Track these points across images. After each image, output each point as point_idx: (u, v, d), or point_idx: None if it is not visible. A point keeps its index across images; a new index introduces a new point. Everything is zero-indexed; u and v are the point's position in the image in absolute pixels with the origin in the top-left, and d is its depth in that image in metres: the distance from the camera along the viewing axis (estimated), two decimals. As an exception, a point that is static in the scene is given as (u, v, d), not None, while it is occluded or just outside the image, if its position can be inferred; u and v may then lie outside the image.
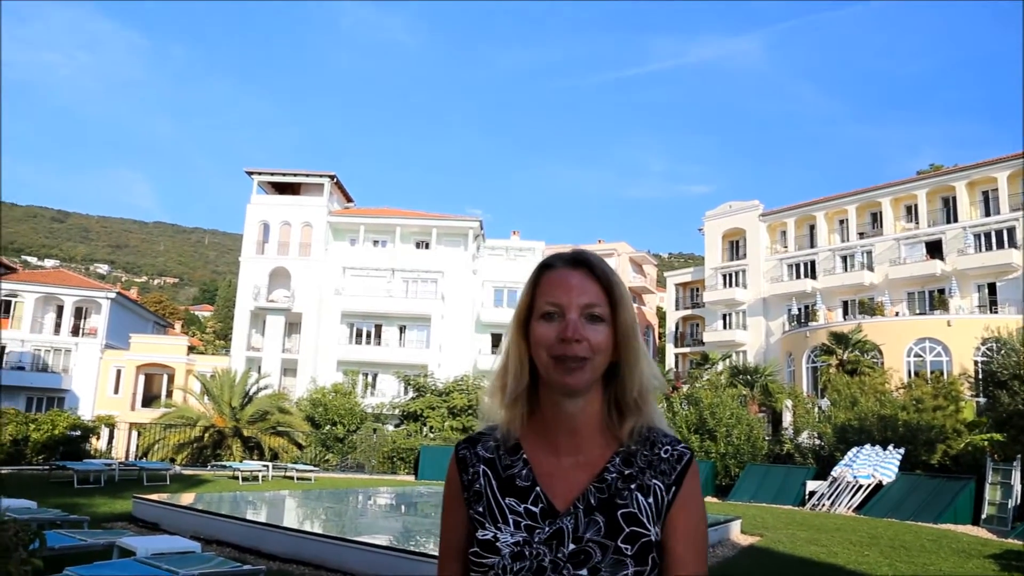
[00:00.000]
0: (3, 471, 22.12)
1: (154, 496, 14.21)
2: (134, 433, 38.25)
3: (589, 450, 1.40)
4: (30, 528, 2.35)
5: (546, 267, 1.43)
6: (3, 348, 46.06)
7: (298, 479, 23.29)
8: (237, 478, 21.76)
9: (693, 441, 23.93)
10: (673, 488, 1.35)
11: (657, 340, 63.53)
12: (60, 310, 47.84)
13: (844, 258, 47.46)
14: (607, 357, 1.37)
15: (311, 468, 25.48)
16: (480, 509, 1.40)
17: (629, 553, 1.30)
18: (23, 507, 10.48)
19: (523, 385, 1.41)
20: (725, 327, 52.84)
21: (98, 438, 31.35)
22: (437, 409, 31.48)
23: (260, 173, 47.73)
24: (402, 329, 46.06)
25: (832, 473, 20.40)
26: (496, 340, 45.27)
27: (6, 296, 46.80)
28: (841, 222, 48.65)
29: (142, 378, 46.37)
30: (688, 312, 58.57)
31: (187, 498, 15.18)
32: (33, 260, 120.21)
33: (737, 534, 13.40)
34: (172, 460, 26.56)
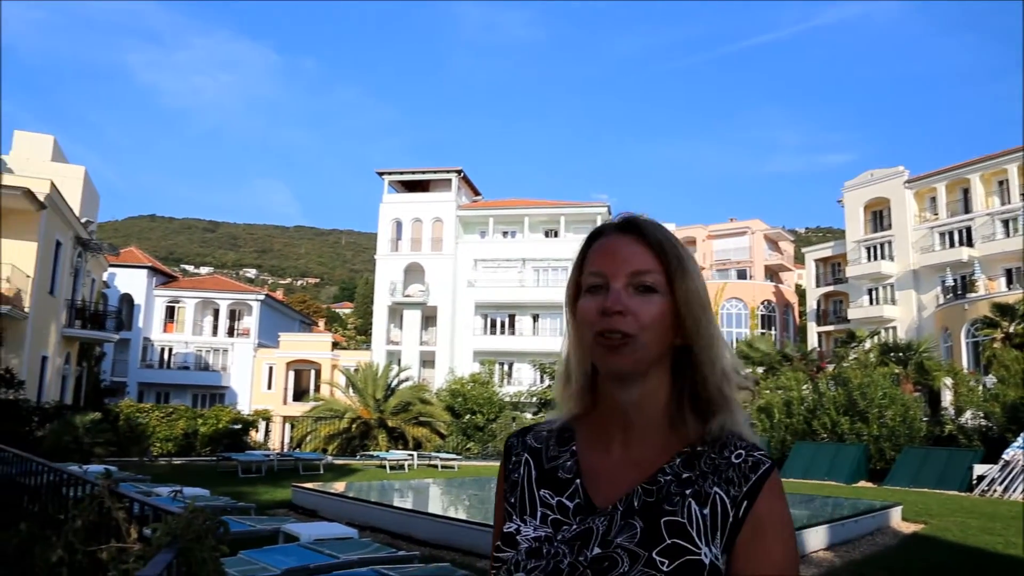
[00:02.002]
0: (177, 461, 23.96)
1: (310, 485, 14.97)
2: (287, 426, 40.58)
3: (646, 447, 1.19)
4: (215, 516, 2.49)
5: (595, 236, 1.25)
6: (171, 350, 49.98)
7: (442, 467, 23.93)
8: (384, 467, 22.60)
9: (843, 424, 22.78)
10: (744, 503, 1.09)
11: (797, 319, 60.95)
12: (216, 313, 51.30)
13: (1006, 222, 43.70)
14: (662, 335, 1.15)
15: (454, 456, 26.12)
16: (512, 500, 1.26)
17: (664, 569, 1.06)
18: (199, 495, 11.31)
19: (579, 370, 1.25)
20: (872, 303, 49.98)
21: (256, 431, 33.47)
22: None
23: (390, 173, 49.25)
24: (535, 318, 46.40)
25: (1004, 456, 18.88)
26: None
27: (170, 302, 50.67)
28: (1000, 183, 44.78)
29: (292, 374, 48.98)
30: (830, 288, 55.83)
31: (340, 486, 15.91)
32: (190, 268, 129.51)
33: (898, 521, 12.64)
34: (324, 450, 27.93)
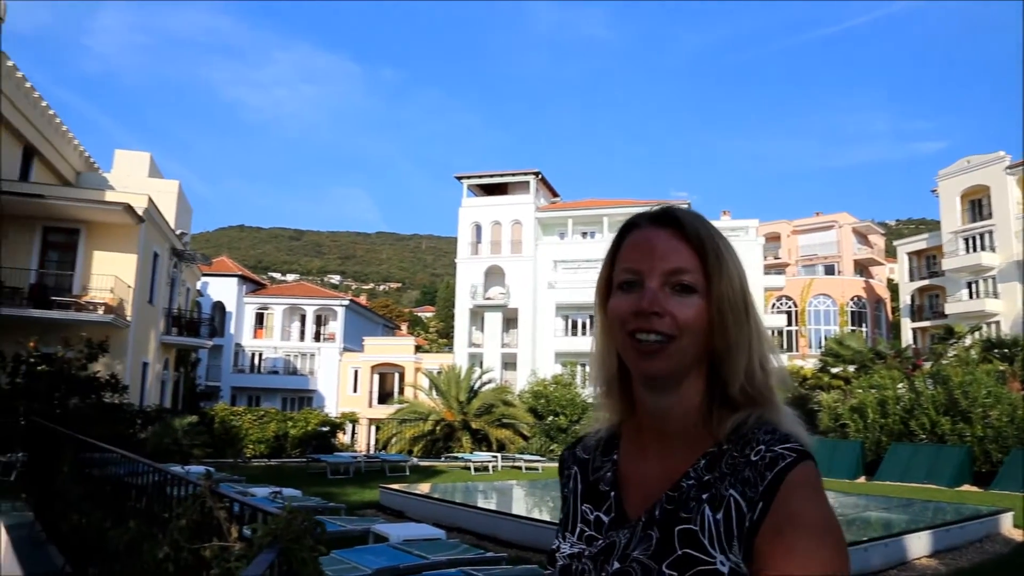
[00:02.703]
0: (269, 463, 24.72)
1: (397, 486, 15.20)
2: (372, 428, 41.38)
3: (679, 453, 1.11)
4: (312, 516, 2.52)
5: (629, 227, 1.16)
6: (261, 355, 51.71)
7: (526, 469, 23.95)
8: (469, 468, 22.76)
9: (943, 424, 21.73)
10: (760, 504, 0.97)
11: (890, 315, 58.64)
12: (303, 319, 52.80)
13: (1121, 208, 41.04)
14: (700, 338, 1.07)
15: (538, 458, 26.11)
16: (562, 516, 1.23)
17: None
18: (292, 495, 11.63)
19: (610, 372, 1.18)
20: (971, 296, 47.66)
21: (343, 433, 34.25)
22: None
23: (469, 177, 49.71)
24: (621, 317, 46.09)
25: (1123, 457, 17.69)
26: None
27: (260, 309, 52.42)
28: (1114, 167, 42.09)
29: (376, 377, 49.96)
30: (924, 283, 53.51)
31: (425, 488, 16.10)
32: (278, 275, 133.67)
33: (1009, 528, 11.97)
34: (409, 452, 28.34)
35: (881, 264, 62.76)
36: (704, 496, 1.03)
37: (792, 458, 0.99)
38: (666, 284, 1.07)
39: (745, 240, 45.13)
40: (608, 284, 1.16)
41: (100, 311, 22.03)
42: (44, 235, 23.27)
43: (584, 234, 48.44)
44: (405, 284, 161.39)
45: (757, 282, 44.50)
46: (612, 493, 1.16)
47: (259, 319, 52.64)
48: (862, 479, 21.67)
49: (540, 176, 49.32)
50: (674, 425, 1.11)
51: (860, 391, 25.42)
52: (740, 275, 1.11)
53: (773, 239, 61.20)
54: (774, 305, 54.09)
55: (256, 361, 51.79)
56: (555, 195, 53.77)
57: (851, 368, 31.35)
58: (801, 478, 0.98)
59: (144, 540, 4.11)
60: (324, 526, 2.60)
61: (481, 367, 36.82)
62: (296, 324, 52.92)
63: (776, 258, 61.06)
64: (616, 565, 1.06)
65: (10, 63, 23.23)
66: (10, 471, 13.51)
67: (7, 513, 10.03)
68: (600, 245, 46.70)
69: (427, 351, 59.53)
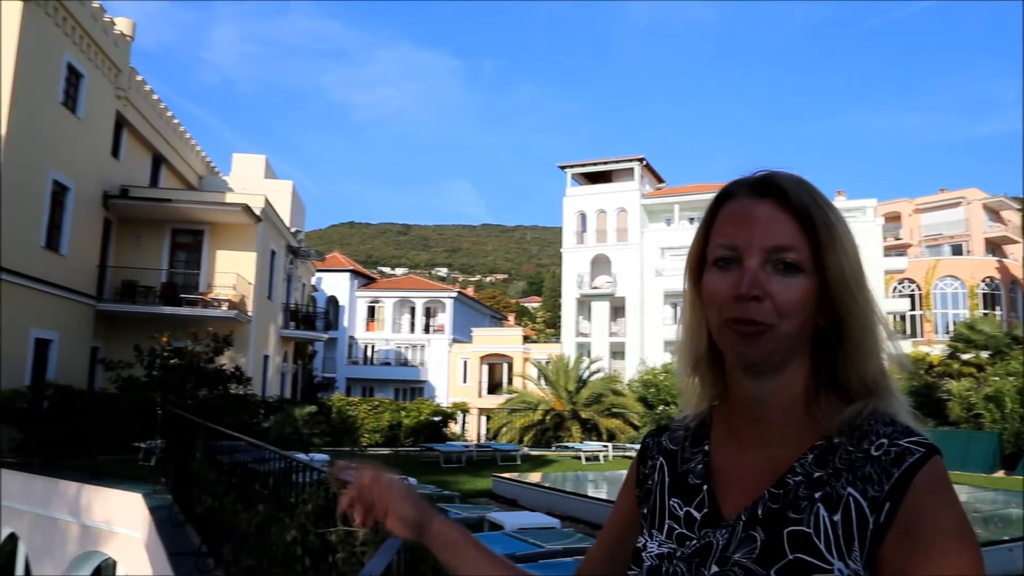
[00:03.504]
0: (384, 451, 25.42)
1: (509, 475, 15.34)
2: (482, 418, 41.98)
3: (781, 444, 1.00)
4: (434, 504, 2.52)
5: (725, 197, 1.04)
6: (373, 347, 53.30)
7: (636, 459, 23.72)
8: (580, 458, 22.73)
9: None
10: (887, 504, 0.87)
11: (1027, 297, 54.65)
12: (413, 311, 54.02)
13: None
14: (804, 321, 0.97)
15: (648, 448, 25.79)
16: (645, 511, 1.12)
17: None
18: (409, 484, 11.92)
19: (699, 353, 1.08)
20: (1121, 275, 43.88)
21: (455, 422, 34.88)
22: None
23: (572, 166, 49.48)
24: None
25: None
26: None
27: (371, 303, 54.01)
28: None
29: (485, 367, 50.57)
30: (1067, 261, 49.55)
31: (536, 477, 16.17)
32: (387, 270, 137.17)
33: None
34: (520, 441, 28.57)
35: (1016, 242, 58.53)
36: (817, 495, 0.92)
37: (921, 453, 0.89)
38: (767, 262, 0.96)
39: (862, 221, 43.08)
40: (701, 258, 1.05)
41: (224, 307, 23.20)
42: (173, 237, 24.68)
43: (691, 220, 47.35)
44: (511, 275, 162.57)
45: (877, 264, 42.40)
46: (704, 487, 1.06)
47: (371, 312, 54.22)
48: (1000, 473, 20.34)
49: (644, 162, 48.55)
50: (774, 413, 1.01)
51: (996, 379, 23.87)
52: (854, 249, 0.99)
53: (893, 219, 58.13)
54: (895, 289, 51.40)
55: (369, 353, 53.38)
56: (660, 181, 52.84)
57: (984, 354, 29.44)
58: (932, 476, 0.88)
59: (273, 523, 4.27)
60: (447, 513, 2.59)
61: (589, 356, 36.68)
62: (406, 316, 54.20)
63: (897, 239, 57.98)
64: (715, 569, 0.96)
65: (139, 78, 24.74)
66: (150, 457, 14.40)
67: (150, 495, 10.70)
68: (708, 230, 45.60)
69: (534, 341, 59.79)
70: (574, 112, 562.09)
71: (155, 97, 26.35)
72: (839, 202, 47.17)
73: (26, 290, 18.10)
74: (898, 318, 44.15)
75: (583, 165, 49.60)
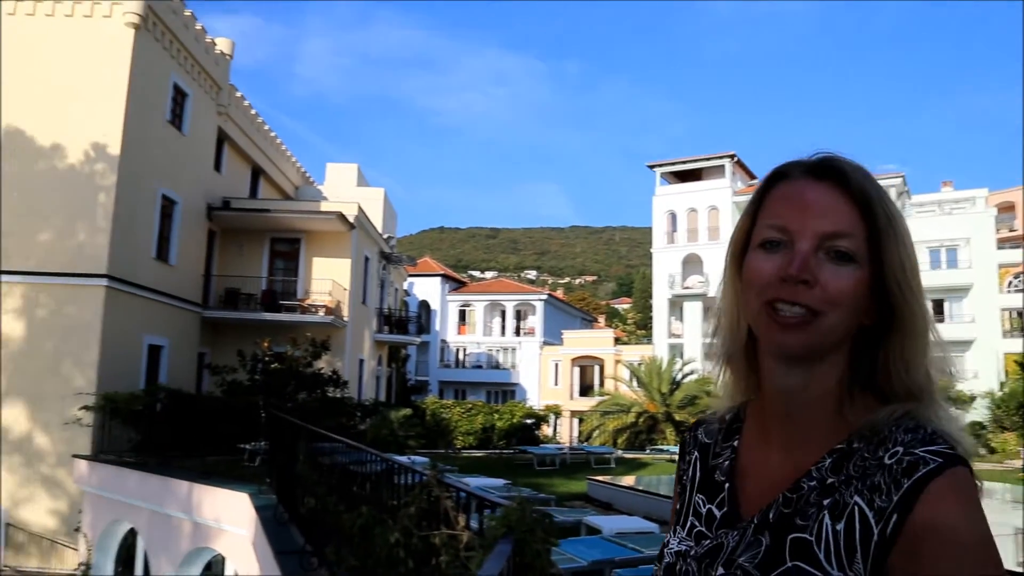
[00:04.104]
0: (477, 454, 25.64)
1: (604, 478, 15.20)
2: (574, 420, 41.83)
3: (807, 445, 0.94)
4: (540, 508, 2.50)
5: (778, 177, 0.98)
6: (464, 350, 53.90)
7: (733, 462, 23.17)
8: (673, 461, 22.34)
9: None
10: (894, 516, 0.81)
11: None
12: (503, 314, 54.36)
13: None
14: (852, 316, 0.90)
15: (745, 451, 25.17)
16: (678, 506, 1.09)
17: None
18: (503, 486, 11.94)
19: (737, 345, 1.01)
20: None
21: (548, 425, 34.87)
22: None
23: (661, 165, 48.80)
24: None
25: None
26: (940, 306, 40.23)
27: (462, 306, 54.66)
28: None
29: (576, 370, 50.40)
30: None
31: (630, 480, 15.97)
32: (477, 274, 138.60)
33: None
34: (614, 444, 28.32)
35: None
36: (826, 502, 0.87)
37: (936, 464, 0.82)
38: (820, 248, 0.90)
39: (972, 212, 40.87)
40: (746, 241, 0.99)
41: (321, 312, 23.87)
42: (271, 245, 25.58)
43: (785, 216, 46.00)
44: (600, 277, 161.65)
45: (990, 258, 40.13)
46: (727, 485, 1.02)
47: (462, 316, 54.86)
48: None
49: (735, 158, 47.41)
50: (802, 409, 0.95)
51: None
52: (912, 245, 0.93)
53: (1006, 209, 54.85)
54: (1011, 284, 48.52)
55: (460, 356, 54.00)
56: (752, 177, 51.47)
57: None
58: (947, 487, 0.81)
59: (376, 525, 4.33)
60: (552, 516, 2.56)
61: (682, 358, 36.04)
62: (497, 319, 54.59)
63: (1011, 230, 54.67)
64: (720, 571, 0.93)
65: (238, 94, 25.77)
66: (254, 458, 14.93)
67: (255, 495, 11.08)
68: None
69: (626, 343, 59.21)
70: (662, 110, 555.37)
71: (253, 112, 27.40)
72: (945, 193, 44.90)
73: (140, 299, 19.08)
74: (1014, 315, 41.57)
75: (672, 164, 48.84)
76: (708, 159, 48.06)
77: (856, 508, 0.84)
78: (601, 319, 74.40)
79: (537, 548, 2.17)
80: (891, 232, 0.90)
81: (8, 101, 18.03)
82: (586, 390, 47.44)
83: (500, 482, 12.77)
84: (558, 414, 37.58)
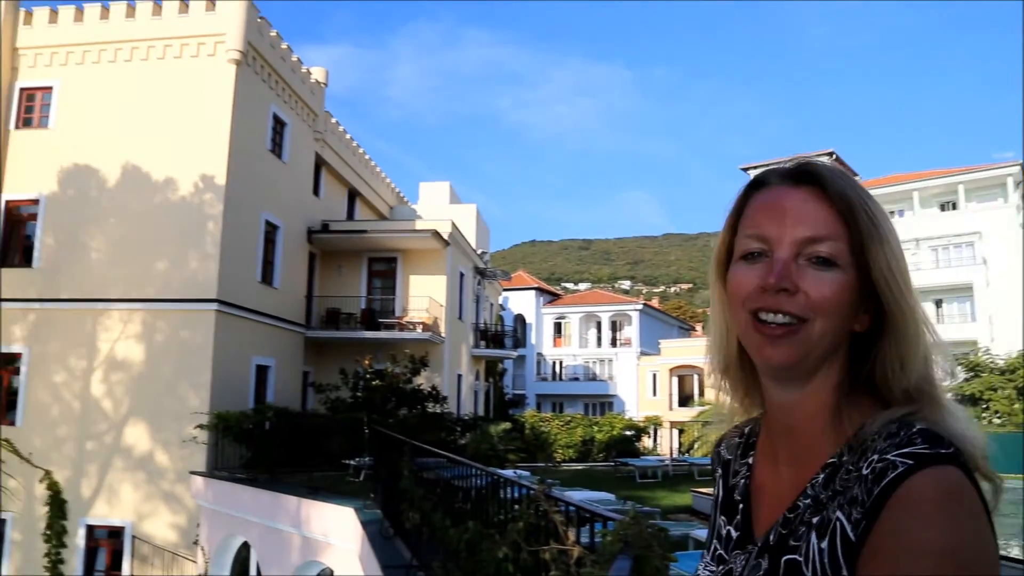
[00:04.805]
0: (577, 467, 25.46)
1: (709, 490, 14.79)
2: (674, 431, 41.00)
3: (809, 460, 0.90)
4: (655, 523, 2.41)
5: (756, 186, 0.96)
6: (561, 362, 53.76)
7: (846, 473, 22.20)
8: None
9: None
10: (862, 524, 0.77)
11: None
12: (599, 325, 54.00)
13: None
14: (840, 322, 0.87)
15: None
16: (710, 526, 1.07)
17: None
18: (606, 499, 11.78)
19: (729, 357, 0.99)
20: None
21: (648, 436, 34.33)
22: (1001, 390, 27.22)
23: (755, 168, 47.58)
24: (938, 303, 41.15)
25: None
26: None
27: (557, 319, 54.59)
28: None
29: (675, 380, 49.49)
30: None
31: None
32: (570, 286, 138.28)
33: None
34: (717, 456, 27.62)
35: None
36: (815, 520, 0.84)
37: (907, 466, 0.77)
38: (800, 255, 0.88)
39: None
40: (728, 253, 0.97)
41: (419, 329, 24.26)
42: (369, 265, 26.21)
43: (891, 212, 43.97)
44: (696, 284, 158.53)
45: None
46: (741, 505, 1.00)
47: (557, 328, 54.79)
48: None
49: (834, 156, 45.70)
50: (802, 424, 0.92)
51: None
52: (899, 245, 0.91)
53: None
54: None
55: (557, 369, 53.90)
56: (853, 174, 49.42)
57: None
58: (918, 490, 0.76)
59: (482, 540, 4.31)
60: (668, 532, 2.47)
61: (785, 365, 34.80)
62: (592, 331, 54.26)
63: None
64: None
65: (333, 120, 26.63)
66: (359, 473, 15.26)
67: (361, 510, 11.31)
68: (911, 223, 42.15)
69: (724, 351, 57.75)
70: (751, 111, 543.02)
71: (348, 137, 28.23)
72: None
73: (247, 322, 19.86)
74: None
75: (766, 166, 47.48)
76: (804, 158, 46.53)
77: (838, 524, 0.81)
78: (699, 327, 72.87)
79: (656, 564, 2.09)
80: (875, 234, 0.88)
81: (126, 141, 19.17)
82: (686, 400, 46.51)
83: (604, 495, 12.62)
84: (658, 425, 36.94)
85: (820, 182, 0.91)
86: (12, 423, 18.49)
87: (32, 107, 20.32)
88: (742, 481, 1.03)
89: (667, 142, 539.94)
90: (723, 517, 1.02)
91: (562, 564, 2.92)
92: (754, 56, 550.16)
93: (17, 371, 18.83)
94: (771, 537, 0.89)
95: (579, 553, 2.88)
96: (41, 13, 20.45)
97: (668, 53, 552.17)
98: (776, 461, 0.97)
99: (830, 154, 45.20)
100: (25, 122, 20.24)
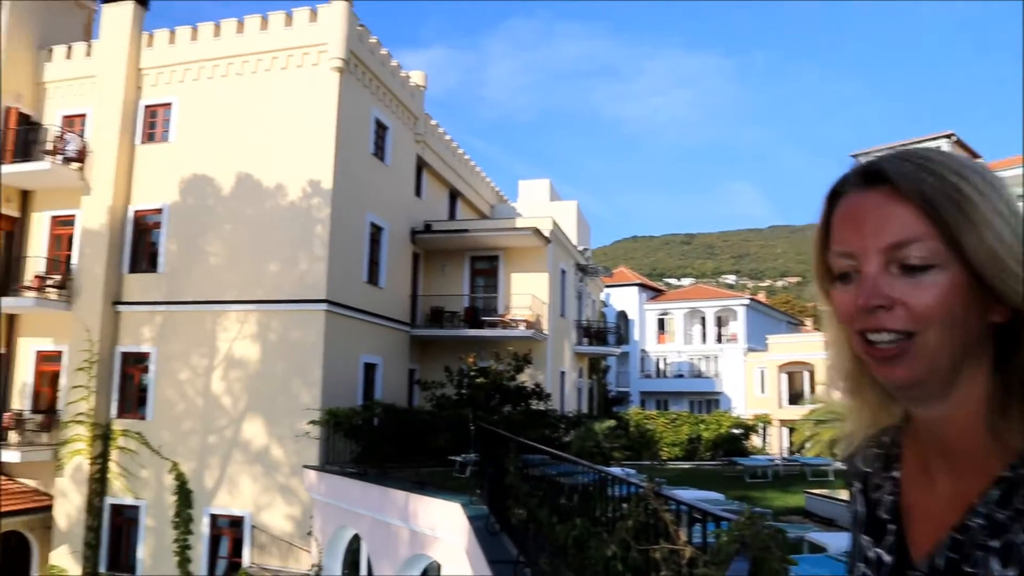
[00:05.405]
0: (684, 465, 25.01)
1: (823, 491, 14.23)
2: (784, 430, 39.69)
3: (969, 473, 0.80)
4: (772, 524, 2.30)
5: (835, 196, 0.87)
6: (665, 359, 52.96)
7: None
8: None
9: None
10: None
11: None
12: (703, 321, 52.91)
13: None
14: (959, 323, 0.76)
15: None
16: (852, 546, 0.98)
17: None
18: (715, 498, 11.51)
19: (848, 367, 0.89)
20: None
21: (757, 435, 33.37)
22: None
23: (865, 153, 45.48)
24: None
25: None
26: None
27: (660, 315, 53.81)
28: None
29: (784, 376, 47.90)
30: None
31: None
32: (673, 281, 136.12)
33: None
34: (833, 455, 26.53)
35: None
36: (995, 544, 0.74)
37: None
38: (890, 263, 0.79)
39: None
40: (826, 269, 0.89)
41: (521, 327, 24.38)
42: (471, 264, 26.54)
43: (1021, 196, 41.16)
44: (805, 277, 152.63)
45: None
46: (893, 527, 0.90)
47: (660, 324, 54.01)
48: None
49: (954, 138, 43.11)
50: (956, 440, 0.82)
51: None
52: (1009, 217, 0.77)
53: None
54: None
55: (661, 365, 53.13)
56: (976, 157, 46.65)
57: None
58: None
59: (590, 537, 4.26)
60: (785, 534, 2.36)
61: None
62: (697, 327, 53.23)
63: None
64: None
65: (432, 122, 27.08)
66: (464, 469, 15.46)
67: (467, 505, 11.45)
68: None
69: (837, 346, 55.54)
70: (856, 94, 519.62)
71: (447, 137, 28.66)
72: None
73: (355, 321, 20.46)
74: None
75: (879, 151, 45.34)
76: (920, 142, 44.16)
77: None
78: (808, 322, 70.26)
79: (775, 567, 1.99)
80: (964, 220, 0.76)
81: (239, 150, 20.12)
82: (796, 398, 44.94)
83: (713, 495, 12.34)
84: (767, 423, 35.85)
85: (891, 180, 0.81)
86: (143, 417, 19.78)
87: (155, 123, 21.60)
88: (887, 497, 0.94)
89: (769, 130, 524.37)
90: (867, 537, 0.94)
91: (673, 564, 2.84)
92: (862, 33, 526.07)
93: (146, 369, 20.09)
94: (938, 561, 0.81)
95: (691, 553, 2.80)
96: (161, 35, 21.68)
97: (767, 37, 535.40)
98: (930, 476, 0.88)
99: (949, 136, 42.67)
100: (149, 137, 21.54)
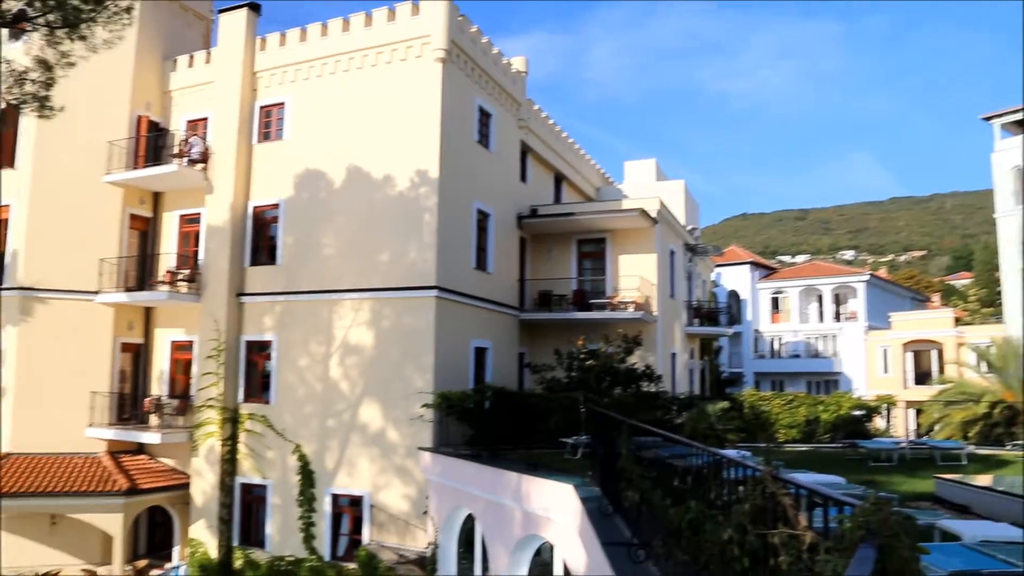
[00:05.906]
0: (801, 448, 24.22)
1: (955, 476, 13.49)
2: (910, 411, 37.79)
3: None
4: (899, 510, 2.20)
5: None
6: (780, 339, 51.26)
7: None
8: (1045, 457, 19.21)
9: None
10: None
11: None
12: (820, 299, 50.91)
13: None
14: None
15: None
16: None
17: None
18: (836, 482, 11.11)
19: None
20: None
21: (881, 416, 31.91)
22: None
23: (1000, 115, 42.38)
24: None
25: None
26: None
27: (774, 294, 52.12)
28: None
29: (909, 355, 45.58)
30: None
31: (986, 479, 13.96)
32: (787, 259, 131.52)
33: None
34: (964, 438, 25.10)
35: None
36: None
37: None
38: None
39: None
40: None
41: (630, 309, 24.15)
42: (578, 247, 26.46)
43: None
44: (931, 251, 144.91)
45: None
46: None
47: (774, 303, 52.35)
48: None
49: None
50: None
51: None
52: None
53: None
54: None
55: (775, 346, 51.55)
56: None
57: None
58: None
59: (705, 521, 4.20)
60: (916, 520, 2.25)
61: (1045, 337, 30.89)
62: (813, 305, 51.31)
63: None
64: None
65: (535, 107, 27.07)
66: (575, 451, 15.50)
67: (580, 487, 11.49)
68: None
69: (968, 323, 52.35)
70: (992, 51, 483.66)
71: (551, 122, 28.59)
72: None
73: (465, 306, 20.81)
74: None
75: (1015, 112, 42.16)
76: (1063, 102, 40.71)
77: None
78: (935, 298, 66.45)
79: (904, 555, 1.90)
80: None
81: (348, 144, 20.77)
82: (922, 378, 42.70)
83: (833, 478, 11.90)
84: (891, 405, 34.19)
85: None
86: (267, 402, 20.86)
87: (269, 122, 22.57)
88: None
89: (887, 98, 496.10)
90: None
91: (792, 549, 2.76)
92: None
93: (269, 357, 21.14)
94: None
95: (812, 539, 2.71)
96: (273, 38, 22.60)
97: (882, 3, 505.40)
98: None
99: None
100: (264, 136, 22.54)
